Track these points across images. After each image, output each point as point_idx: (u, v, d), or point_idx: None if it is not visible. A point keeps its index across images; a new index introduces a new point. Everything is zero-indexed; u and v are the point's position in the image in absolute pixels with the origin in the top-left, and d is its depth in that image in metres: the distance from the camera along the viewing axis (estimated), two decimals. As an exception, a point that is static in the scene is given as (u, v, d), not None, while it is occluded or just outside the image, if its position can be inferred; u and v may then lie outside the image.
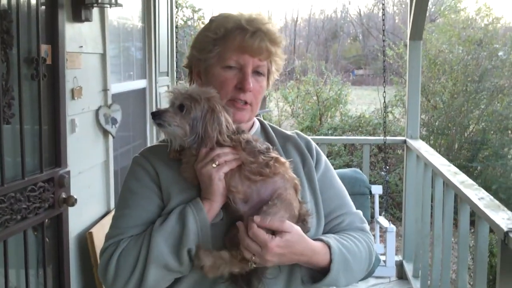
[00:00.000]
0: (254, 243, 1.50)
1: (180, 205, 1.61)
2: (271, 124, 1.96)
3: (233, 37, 1.68)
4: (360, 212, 1.90)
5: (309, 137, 1.96)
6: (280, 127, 2.00)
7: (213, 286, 1.59)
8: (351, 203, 1.89)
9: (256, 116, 1.89)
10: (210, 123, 1.55)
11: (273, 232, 1.53)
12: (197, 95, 1.57)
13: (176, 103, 1.57)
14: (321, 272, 1.67)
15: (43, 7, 3.15)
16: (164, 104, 1.63)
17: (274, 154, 1.61)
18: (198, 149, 1.58)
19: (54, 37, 3.22)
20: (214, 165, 1.56)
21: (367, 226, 1.89)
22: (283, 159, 1.63)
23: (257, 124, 1.88)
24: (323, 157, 1.91)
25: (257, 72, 1.72)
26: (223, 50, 1.69)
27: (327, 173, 1.87)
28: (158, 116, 1.56)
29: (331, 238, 1.69)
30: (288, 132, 1.93)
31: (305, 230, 1.61)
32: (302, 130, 13.17)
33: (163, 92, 5.46)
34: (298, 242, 1.56)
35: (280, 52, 1.77)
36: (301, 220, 1.61)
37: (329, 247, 1.65)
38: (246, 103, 1.71)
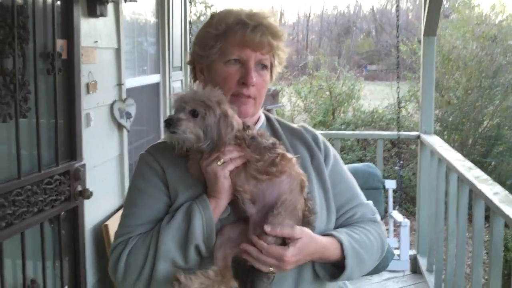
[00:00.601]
0: (269, 258, 1.52)
1: (187, 202, 1.62)
2: (277, 117, 1.94)
3: (234, 32, 1.67)
4: (370, 202, 1.90)
5: (316, 131, 1.95)
6: (293, 122, 1.98)
7: None
8: (362, 194, 1.88)
9: (269, 110, 1.88)
10: (224, 129, 1.55)
11: (284, 240, 1.55)
12: (209, 100, 1.55)
13: (187, 109, 1.55)
14: (334, 265, 1.69)
15: (59, 2, 3.18)
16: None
17: (280, 150, 1.61)
18: (210, 153, 1.57)
19: (69, 32, 3.25)
20: (219, 163, 1.56)
21: (378, 217, 1.89)
22: (289, 155, 1.62)
23: (263, 118, 1.87)
24: (331, 150, 1.90)
25: (259, 66, 1.71)
26: (224, 45, 1.68)
27: (336, 166, 1.86)
28: (173, 124, 1.54)
29: (342, 234, 1.70)
30: (295, 126, 1.91)
31: (311, 230, 1.62)
32: (315, 125, 13.21)
33: (177, 86, 5.48)
34: (310, 244, 1.58)
35: (283, 45, 1.75)
36: (305, 222, 1.61)
37: (341, 243, 1.66)
38: (249, 97, 1.70)
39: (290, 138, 1.84)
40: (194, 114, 1.54)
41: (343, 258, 1.66)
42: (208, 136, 1.55)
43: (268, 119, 1.89)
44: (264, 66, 1.73)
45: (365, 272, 1.78)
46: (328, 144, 1.91)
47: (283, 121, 1.93)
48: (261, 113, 1.87)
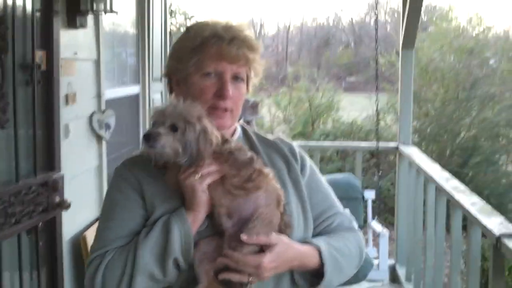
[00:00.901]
0: (247, 267, 1.52)
1: (164, 215, 1.60)
2: (253, 129, 1.94)
3: (210, 45, 1.67)
4: (347, 210, 1.91)
5: (291, 142, 1.95)
6: (272, 133, 1.98)
7: None
8: (338, 203, 1.89)
9: (248, 121, 1.89)
10: (203, 145, 1.55)
11: (261, 249, 1.56)
12: (190, 116, 1.55)
13: (167, 123, 1.54)
14: (313, 275, 1.69)
15: (39, 13, 3.17)
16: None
17: (257, 165, 1.61)
18: (188, 167, 1.57)
19: (49, 43, 3.24)
20: (196, 177, 1.56)
21: (355, 225, 1.90)
22: (266, 170, 1.62)
23: (239, 130, 1.86)
24: (308, 160, 1.90)
25: (236, 78, 1.71)
26: (201, 58, 1.67)
27: (313, 177, 1.87)
28: (152, 139, 1.52)
29: (321, 242, 1.71)
30: (271, 137, 1.91)
31: None
32: (294, 136, 13.28)
33: (156, 98, 5.47)
34: (287, 250, 1.59)
35: (259, 58, 1.75)
36: None
37: (320, 251, 1.67)
38: (226, 110, 1.70)
39: (266, 150, 1.84)
40: (173, 129, 1.53)
41: (321, 265, 1.66)
42: (187, 152, 1.54)
43: (244, 130, 1.89)
44: (241, 79, 1.72)
45: (344, 279, 1.78)
46: (304, 155, 1.92)
47: (259, 133, 1.92)
48: (237, 125, 1.86)
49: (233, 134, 1.82)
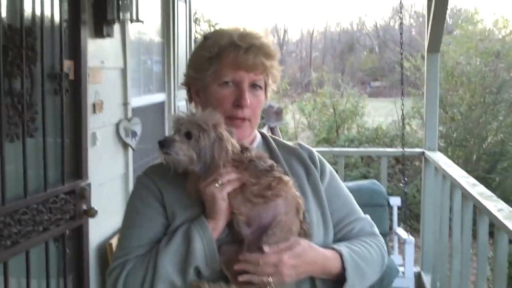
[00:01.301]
0: (267, 267, 1.53)
1: (185, 223, 1.61)
2: (272, 136, 1.95)
3: (227, 54, 1.68)
4: (368, 216, 1.91)
5: (311, 148, 1.95)
6: (296, 139, 1.99)
7: None
8: (359, 209, 1.89)
9: (272, 128, 1.90)
10: (218, 152, 1.56)
11: None
12: (205, 124, 1.56)
13: (182, 130, 1.56)
14: (336, 282, 1.69)
15: (66, 23, 3.22)
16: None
17: (277, 173, 1.61)
18: (204, 175, 1.58)
19: (76, 53, 3.28)
20: (217, 185, 1.56)
21: (376, 230, 1.90)
22: (286, 178, 1.63)
23: (259, 137, 1.87)
24: (327, 166, 1.91)
25: (254, 86, 1.72)
26: (218, 68, 1.69)
27: (332, 182, 1.87)
28: (166, 145, 1.55)
29: (342, 247, 1.71)
30: (290, 144, 1.92)
31: None
32: (318, 142, 13.25)
33: (182, 105, 5.52)
34: (308, 251, 1.60)
35: (276, 64, 1.76)
36: None
37: (341, 255, 1.67)
38: (244, 119, 1.71)
39: (286, 156, 1.84)
40: (188, 136, 1.55)
41: (343, 270, 1.66)
42: (201, 159, 1.55)
43: (264, 138, 1.90)
44: (259, 87, 1.73)
45: (367, 285, 1.77)
46: (324, 161, 1.92)
47: (279, 140, 1.93)
48: (256, 132, 1.87)
49: (252, 141, 1.83)
